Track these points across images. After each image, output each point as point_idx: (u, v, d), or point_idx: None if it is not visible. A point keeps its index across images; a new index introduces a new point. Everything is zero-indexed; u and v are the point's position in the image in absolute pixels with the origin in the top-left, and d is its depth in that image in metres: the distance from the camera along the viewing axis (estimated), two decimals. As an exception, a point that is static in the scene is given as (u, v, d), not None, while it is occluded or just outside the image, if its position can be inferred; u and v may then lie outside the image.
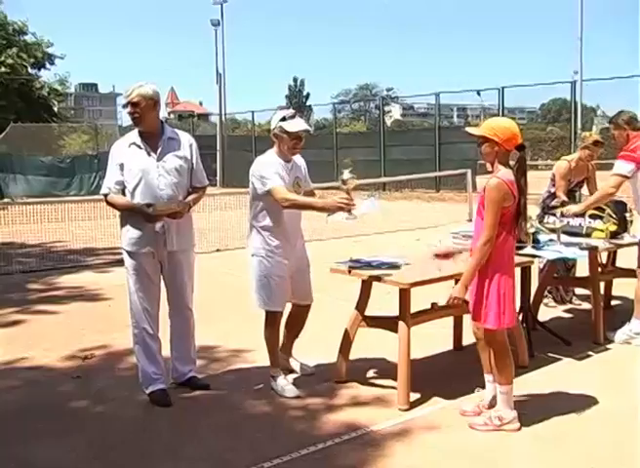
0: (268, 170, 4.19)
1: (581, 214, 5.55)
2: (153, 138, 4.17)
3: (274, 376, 4.37)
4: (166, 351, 4.41)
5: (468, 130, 3.80)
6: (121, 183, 4.16)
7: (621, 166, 5.21)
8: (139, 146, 4.15)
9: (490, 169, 3.68)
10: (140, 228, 4.14)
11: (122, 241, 4.26)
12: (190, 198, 4.27)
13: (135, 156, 4.14)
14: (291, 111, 4.33)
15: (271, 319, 4.34)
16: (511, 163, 3.69)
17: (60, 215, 12.14)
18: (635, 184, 5.28)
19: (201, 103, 74.79)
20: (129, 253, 4.21)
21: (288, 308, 4.56)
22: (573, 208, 5.51)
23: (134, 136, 4.19)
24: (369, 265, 4.37)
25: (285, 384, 4.34)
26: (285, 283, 4.31)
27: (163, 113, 78.23)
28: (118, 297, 7.25)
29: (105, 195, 4.22)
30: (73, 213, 12.39)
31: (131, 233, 4.18)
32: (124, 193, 4.18)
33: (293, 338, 4.72)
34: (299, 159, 4.46)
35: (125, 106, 4.14)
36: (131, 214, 4.16)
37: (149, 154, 4.15)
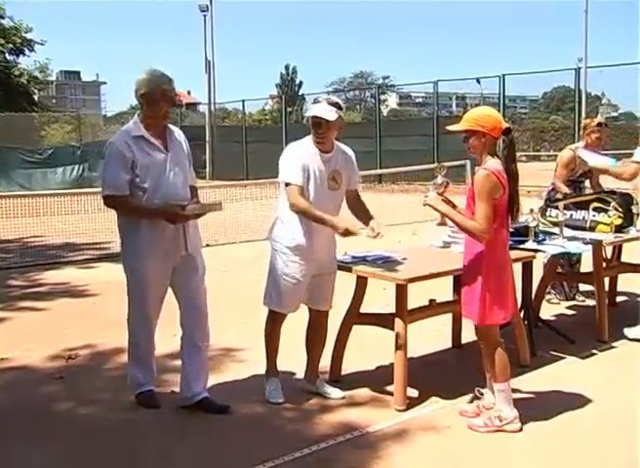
0: (292, 161, 4.03)
1: (585, 207, 5.57)
2: (158, 132, 3.93)
3: (267, 378, 4.37)
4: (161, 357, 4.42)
5: (450, 128, 3.79)
6: (130, 183, 3.84)
7: (638, 152, 5.31)
8: (148, 141, 3.87)
9: (478, 161, 3.69)
10: (155, 234, 3.87)
11: (127, 252, 4.00)
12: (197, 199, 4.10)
13: (147, 152, 3.85)
14: (322, 97, 4.19)
15: (273, 316, 4.26)
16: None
17: (41, 209, 12.10)
18: None
19: (189, 92, 74.42)
20: (138, 264, 3.94)
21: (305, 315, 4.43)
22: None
23: (138, 128, 3.87)
24: (364, 260, 4.38)
25: (272, 389, 4.28)
26: (299, 286, 4.12)
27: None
28: (104, 294, 7.27)
29: (112, 197, 3.86)
30: (55, 206, 12.35)
31: (143, 242, 3.89)
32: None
33: (315, 358, 4.42)
34: (343, 152, 4.25)
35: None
36: (144, 221, 3.87)
37: (161, 150, 3.91)
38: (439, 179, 3.96)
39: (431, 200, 3.77)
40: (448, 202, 3.82)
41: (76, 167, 24.78)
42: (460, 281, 4.02)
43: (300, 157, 4.04)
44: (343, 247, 4.42)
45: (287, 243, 4.09)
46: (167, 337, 5.62)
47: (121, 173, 3.81)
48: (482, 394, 3.98)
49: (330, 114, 4.00)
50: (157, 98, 3.83)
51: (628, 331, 5.34)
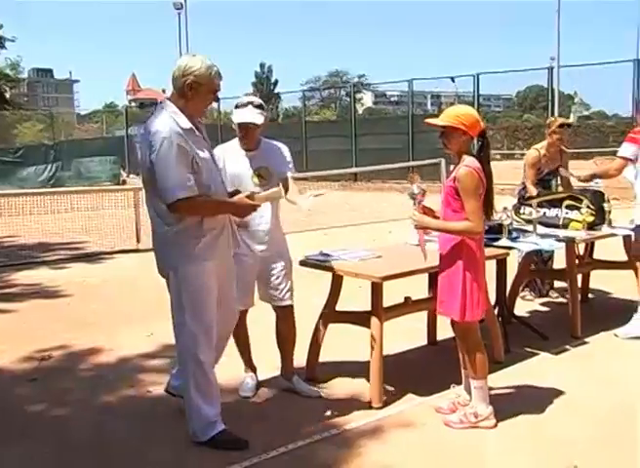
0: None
1: (558, 205, 5.64)
2: (196, 125, 3.57)
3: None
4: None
5: (430, 121, 3.80)
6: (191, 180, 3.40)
7: (624, 148, 5.40)
8: (195, 134, 3.50)
9: (456, 159, 3.71)
10: (216, 231, 3.55)
11: (182, 256, 3.47)
12: None
13: (199, 147, 3.50)
14: (245, 99, 4.17)
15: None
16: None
17: (13, 209, 11.96)
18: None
19: (164, 91, 73.94)
20: (197, 268, 3.49)
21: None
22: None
23: (183, 120, 3.44)
24: (339, 259, 4.38)
25: (244, 383, 4.36)
26: (241, 282, 3.99)
27: (123, 101, 77.58)
28: (78, 295, 7.21)
29: (187, 199, 3.34)
30: (28, 206, 12.21)
31: (206, 242, 3.50)
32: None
33: (287, 355, 4.39)
34: (269, 147, 4.27)
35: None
36: (208, 219, 3.51)
37: (206, 145, 3.59)
38: (415, 189, 3.91)
39: (419, 221, 3.74)
40: (429, 210, 3.84)
41: (49, 166, 24.50)
42: (435, 279, 4.03)
43: (223, 158, 4.07)
44: (319, 245, 4.42)
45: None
46: (141, 337, 5.60)
47: (182, 170, 3.36)
48: (458, 395, 4.01)
49: (258, 118, 4.06)
50: (209, 91, 3.51)
51: (619, 332, 5.38)
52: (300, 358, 4.50)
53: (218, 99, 3.66)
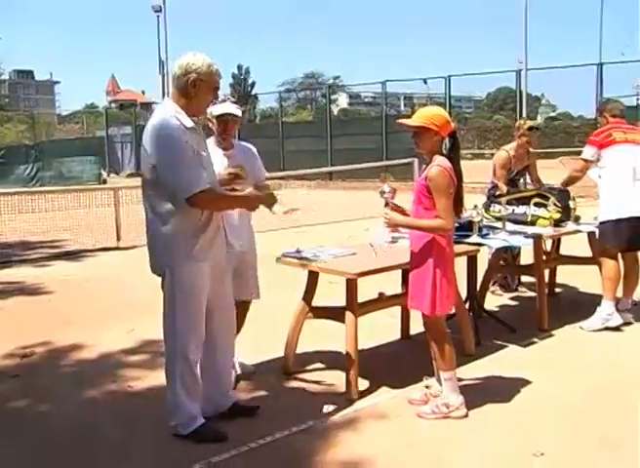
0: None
1: (527, 203, 5.71)
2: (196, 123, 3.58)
3: None
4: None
5: (402, 121, 3.83)
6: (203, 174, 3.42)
7: (585, 150, 5.59)
8: (197, 133, 3.48)
9: (427, 158, 3.74)
10: (212, 232, 3.52)
11: (179, 255, 3.43)
12: None
13: (202, 146, 3.51)
14: (221, 97, 4.20)
15: None
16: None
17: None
18: (602, 167, 5.50)
19: (143, 92, 73.40)
20: (192, 267, 3.46)
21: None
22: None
23: (186, 118, 3.40)
24: (315, 256, 4.39)
25: None
26: None
27: (103, 102, 76.90)
28: (59, 292, 7.15)
29: (203, 192, 3.31)
30: (10, 205, 12.07)
31: (202, 241, 3.47)
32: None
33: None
34: (242, 147, 4.36)
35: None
36: (206, 216, 3.48)
37: (205, 144, 3.60)
38: (386, 187, 4.00)
39: (391, 219, 3.81)
40: (398, 207, 3.90)
41: (30, 166, 24.23)
42: (407, 274, 4.05)
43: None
44: (295, 243, 4.43)
45: None
46: (122, 333, 5.57)
47: (197, 165, 3.35)
48: (428, 386, 4.04)
49: (237, 110, 4.25)
50: (211, 88, 3.48)
51: (584, 325, 5.44)
52: (278, 352, 4.51)
53: (217, 97, 3.68)
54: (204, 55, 3.46)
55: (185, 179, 3.28)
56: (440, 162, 3.65)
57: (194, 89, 3.39)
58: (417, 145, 3.74)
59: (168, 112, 3.40)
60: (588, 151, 5.55)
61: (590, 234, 5.86)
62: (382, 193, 3.95)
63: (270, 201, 3.82)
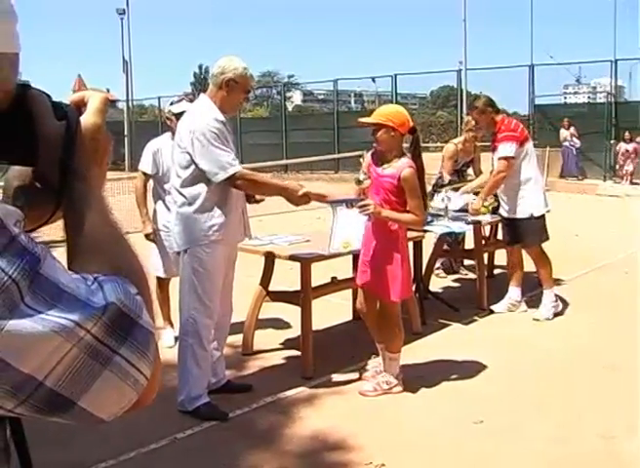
0: (147, 153, 4.54)
1: (467, 192, 5.76)
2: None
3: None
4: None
5: (362, 120, 3.82)
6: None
7: (505, 148, 5.16)
8: (225, 126, 3.46)
9: (388, 155, 3.70)
10: (234, 218, 3.53)
11: (200, 237, 3.42)
12: None
13: (230, 140, 3.49)
14: (181, 95, 4.50)
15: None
16: (405, 145, 3.78)
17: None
18: (521, 163, 5.24)
19: (108, 90, 71.92)
20: (213, 249, 3.45)
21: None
22: (475, 205, 5.41)
23: (218, 113, 3.45)
24: (272, 243, 4.38)
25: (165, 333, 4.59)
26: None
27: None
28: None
29: (242, 172, 3.41)
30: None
31: (224, 224, 3.45)
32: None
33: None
34: None
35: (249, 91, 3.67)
36: (231, 201, 3.49)
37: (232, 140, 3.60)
38: (361, 175, 3.80)
39: (377, 210, 3.55)
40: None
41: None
42: (367, 263, 3.80)
43: (153, 149, 4.49)
44: (253, 232, 4.39)
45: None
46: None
47: (227, 149, 3.39)
48: (378, 364, 4.04)
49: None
50: (244, 89, 3.56)
51: (495, 307, 5.48)
52: (238, 334, 4.49)
53: (248, 100, 3.68)
54: (240, 58, 3.55)
55: (224, 161, 3.35)
56: (410, 163, 3.63)
57: (227, 88, 3.46)
58: (376, 142, 3.69)
59: (205, 105, 3.50)
60: (510, 148, 5.11)
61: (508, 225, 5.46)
62: (359, 182, 3.80)
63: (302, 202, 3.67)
